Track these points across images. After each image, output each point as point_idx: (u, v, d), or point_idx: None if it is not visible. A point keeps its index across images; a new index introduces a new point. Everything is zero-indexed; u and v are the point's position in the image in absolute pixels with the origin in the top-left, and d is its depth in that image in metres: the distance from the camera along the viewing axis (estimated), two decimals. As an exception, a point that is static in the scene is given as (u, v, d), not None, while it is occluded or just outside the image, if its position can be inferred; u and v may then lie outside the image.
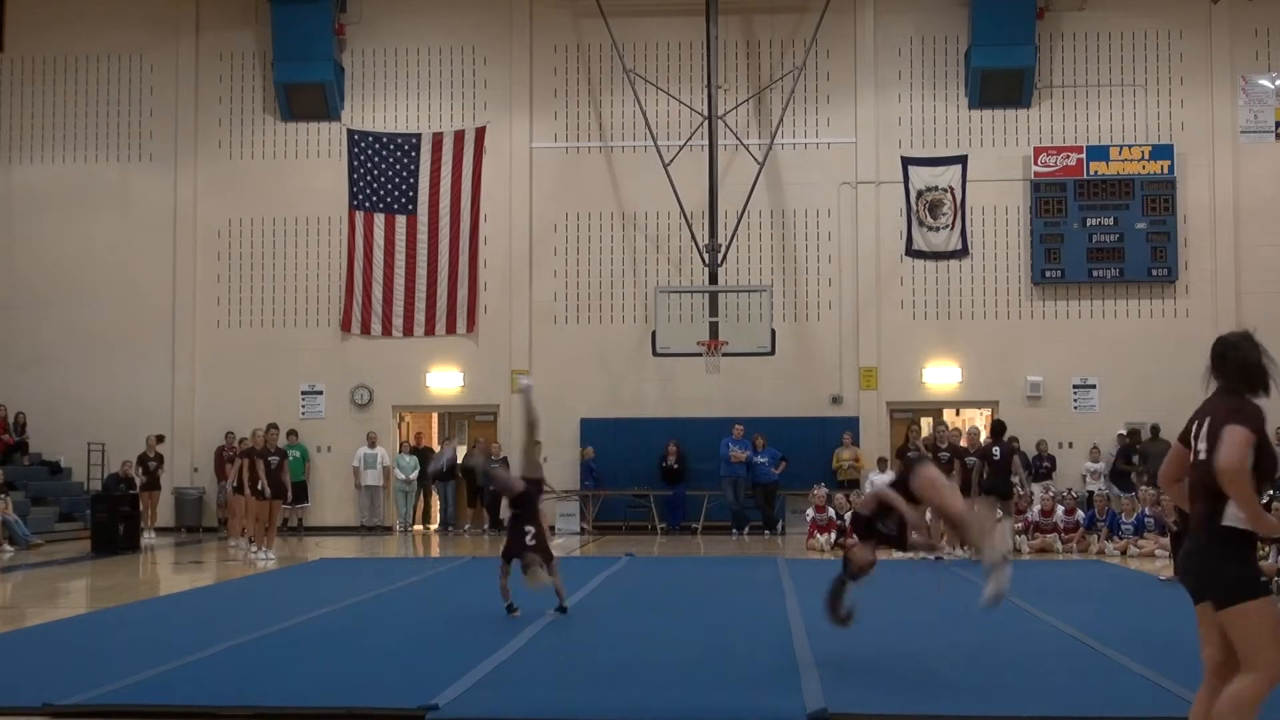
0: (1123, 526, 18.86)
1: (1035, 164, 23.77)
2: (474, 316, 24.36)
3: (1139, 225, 23.52)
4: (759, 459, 22.57)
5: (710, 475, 22.96)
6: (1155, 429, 22.68)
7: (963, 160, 23.61)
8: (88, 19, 25.20)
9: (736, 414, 23.03)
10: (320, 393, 24.57)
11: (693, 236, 22.81)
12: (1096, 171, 23.60)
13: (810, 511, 20.38)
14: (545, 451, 23.94)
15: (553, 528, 21.45)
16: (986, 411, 24.34)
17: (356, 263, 24.35)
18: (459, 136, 24.37)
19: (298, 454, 23.84)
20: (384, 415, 24.74)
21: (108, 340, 24.57)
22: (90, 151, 25.22)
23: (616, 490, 23.66)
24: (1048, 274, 23.71)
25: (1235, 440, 5.09)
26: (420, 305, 24.31)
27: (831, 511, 20.04)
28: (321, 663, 8.90)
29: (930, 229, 23.78)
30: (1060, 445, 23.28)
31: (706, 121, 22.84)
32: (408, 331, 24.35)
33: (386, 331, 24.37)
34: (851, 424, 23.60)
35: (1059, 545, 19.05)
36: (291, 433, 23.93)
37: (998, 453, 18.33)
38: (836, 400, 23.88)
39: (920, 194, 23.70)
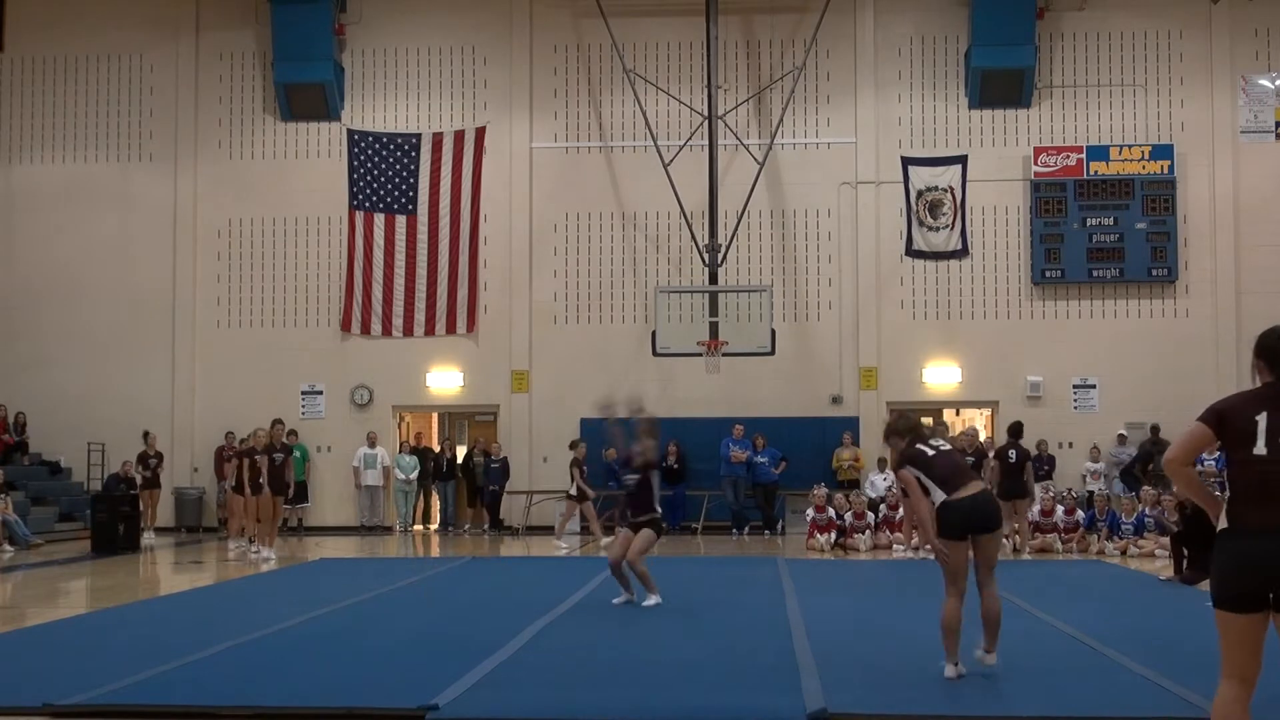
0: (1123, 526, 18.86)
1: (1035, 164, 23.77)
2: (474, 316, 24.36)
3: (1139, 225, 23.52)
4: (759, 459, 22.57)
5: (710, 475, 22.95)
6: (1155, 429, 22.67)
7: (963, 160, 23.61)
8: (88, 19, 25.20)
9: (736, 414, 23.04)
10: (320, 393, 24.57)
11: (693, 236, 22.81)
12: (1096, 171, 23.60)
13: (810, 511, 20.37)
14: (545, 452, 24.18)
15: (586, 528, 21.48)
16: (986, 411, 24.35)
17: (356, 263, 24.35)
18: (459, 136, 24.37)
19: (298, 454, 23.86)
20: (384, 415, 24.74)
21: (108, 340, 24.58)
22: (90, 151, 25.22)
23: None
24: (1048, 274, 23.72)
25: None
26: (420, 305, 24.31)
27: (831, 511, 20.04)
28: (321, 663, 8.89)
29: (930, 229, 23.79)
30: (1060, 445, 23.28)
31: (706, 121, 22.84)
32: (408, 331, 24.35)
33: (386, 331, 24.37)
34: (851, 424, 23.60)
35: (1059, 545, 19.05)
36: (291, 433, 23.90)
37: (1013, 455, 18.33)
38: (836, 400, 23.89)
39: (920, 194, 23.70)
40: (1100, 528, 19.26)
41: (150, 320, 24.69)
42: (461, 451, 25.26)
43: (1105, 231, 23.58)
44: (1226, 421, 5.07)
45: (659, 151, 22.99)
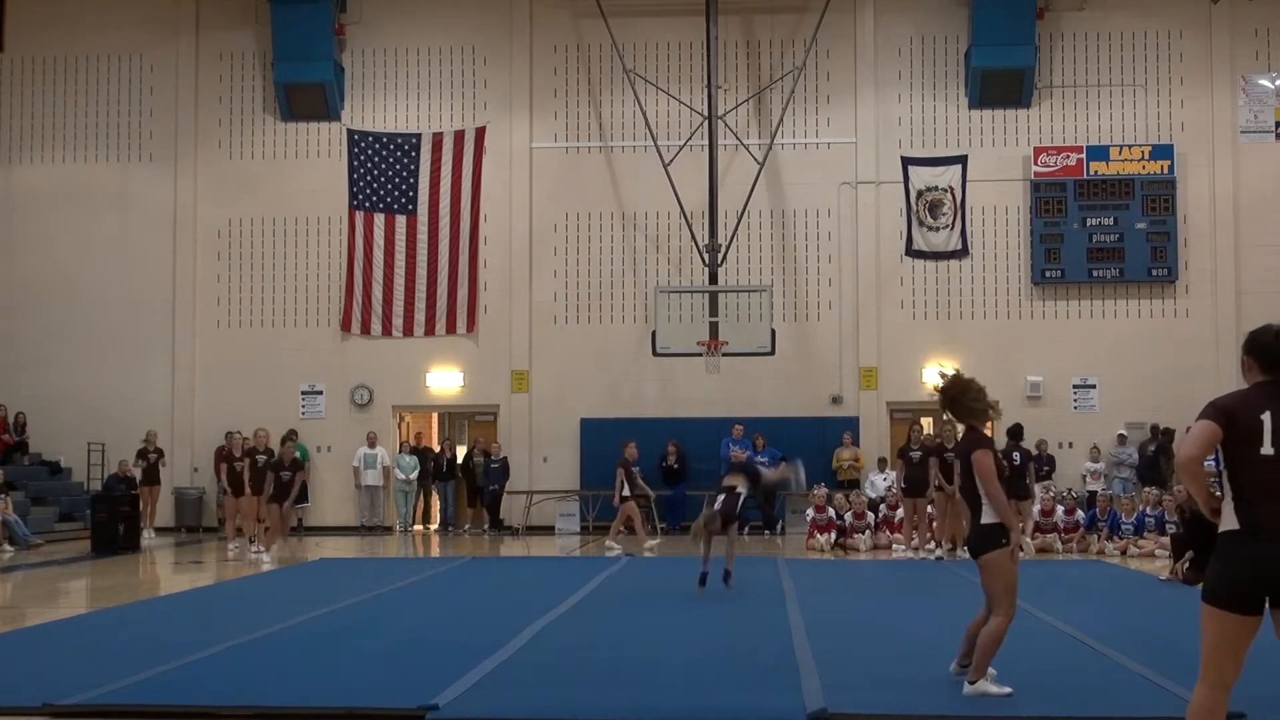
0: (1123, 526, 18.85)
1: (1035, 164, 23.77)
2: (474, 316, 24.36)
3: (1139, 225, 23.53)
4: (759, 459, 22.51)
5: (710, 475, 22.85)
6: (1155, 429, 22.67)
7: (963, 160, 23.61)
8: (88, 19, 25.20)
9: (736, 414, 23.03)
10: (320, 393, 24.57)
11: (693, 236, 22.81)
12: (1096, 171, 23.60)
13: (810, 511, 20.37)
14: (545, 452, 24.18)
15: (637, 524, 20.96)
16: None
17: (356, 263, 24.35)
18: (459, 136, 24.37)
19: (297, 454, 23.85)
20: (384, 415, 24.74)
21: (108, 340, 24.58)
22: (90, 151, 25.22)
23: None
24: (1048, 274, 23.72)
25: None
26: (420, 305, 24.31)
27: (831, 511, 20.03)
28: (321, 663, 8.89)
29: (930, 229, 23.78)
30: (1060, 445, 23.28)
31: (706, 121, 22.84)
32: (408, 331, 24.35)
33: (386, 331, 24.37)
34: (851, 424, 23.60)
35: (1059, 545, 19.05)
36: (292, 432, 23.94)
37: (1018, 457, 18.28)
38: (836, 400, 23.89)
39: (920, 194, 23.70)
40: (1100, 528, 19.26)
41: (150, 320, 24.68)
42: (461, 451, 25.25)
43: (1105, 231, 23.58)
44: (1232, 418, 5.01)
45: (659, 151, 22.99)
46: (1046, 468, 22.91)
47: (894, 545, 19.38)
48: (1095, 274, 23.60)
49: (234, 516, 19.94)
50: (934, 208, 23.74)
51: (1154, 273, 23.54)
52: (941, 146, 24.05)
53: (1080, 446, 23.29)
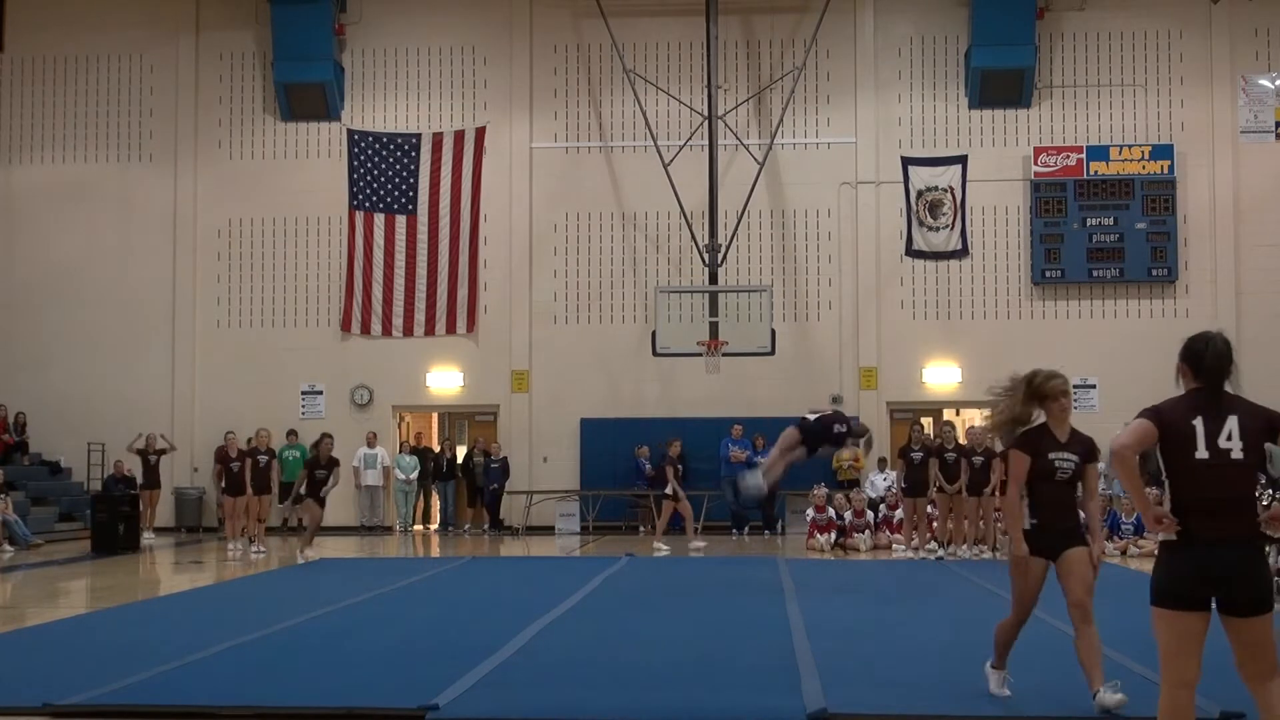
0: (1123, 526, 18.85)
1: (1035, 164, 23.77)
2: (474, 316, 24.36)
3: (1139, 225, 23.53)
4: (759, 459, 22.52)
5: (710, 475, 22.92)
6: (1155, 429, 22.63)
7: (963, 160, 23.61)
8: (87, 19, 25.20)
9: (736, 414, 23.03)
10: (320, 393, 24.57)
11: (693, 236, 22.81)
12: (1096, 171, 23.60)
13: (810, 511, 20.37)
14: (545, 452, 24.18)
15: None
16: (987, 411, 24.29)
17: (356, 263, 24.36)
18: (459, 136, 24.38)
19: (297, 454, 23.87)
20: (384, 415, 24.74)
21: (108, 340, 24.58)
22: (90, 151, 25.22)
23: (617, 490, 23.65)
24: (1048, 274, 23.72)
25: None
26: (420, 305, 24.31)
27: (831, 511, 20.03)
28: (321, 663, 8.89)
29: (930, 229, 23.79)
30: (1060, 445, 23.22)
31: (706, 121, 22.84)
32: (408, 331, 24.35)
33: (386, 331, 24.37)
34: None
35: (1059, 545, 19.01)
36: (291, 433, 23.96)
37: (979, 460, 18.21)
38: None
39: (920, 194, 23.70)
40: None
41: (150, 320, 24.69)
42: (462, 451, 25.25)
43: (1105, 231, 23.58)
44: (1167, 423, 5.15)
45: (659, 151, 22.99)
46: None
47: (894, 545, 19.38)
48: (1095, 274, 23.61)
49: (231, 516, 19.97)
50: (934, 208, 23.74)
51: (1154, 273, 23.54)
52: (941, 146, 24.06)
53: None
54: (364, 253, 24.35)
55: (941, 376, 24.01)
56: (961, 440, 18.81)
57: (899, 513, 19.72)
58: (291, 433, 23.97)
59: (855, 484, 22.48)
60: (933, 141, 24.15)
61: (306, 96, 24.58)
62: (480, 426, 25.37)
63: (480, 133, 24.34)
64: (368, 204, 24.29)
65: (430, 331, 24.36)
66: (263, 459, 19.96)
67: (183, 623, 11.24)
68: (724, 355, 21.67)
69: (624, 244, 24.42)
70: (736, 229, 23.00)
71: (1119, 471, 5.26)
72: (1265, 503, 13.63)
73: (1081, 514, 7.55)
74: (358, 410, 24.51)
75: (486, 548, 21.19)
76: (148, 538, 21.65)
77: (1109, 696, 7.09)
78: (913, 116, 24.25)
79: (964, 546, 18.20)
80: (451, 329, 24.35)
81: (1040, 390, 7.07)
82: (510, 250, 24.44)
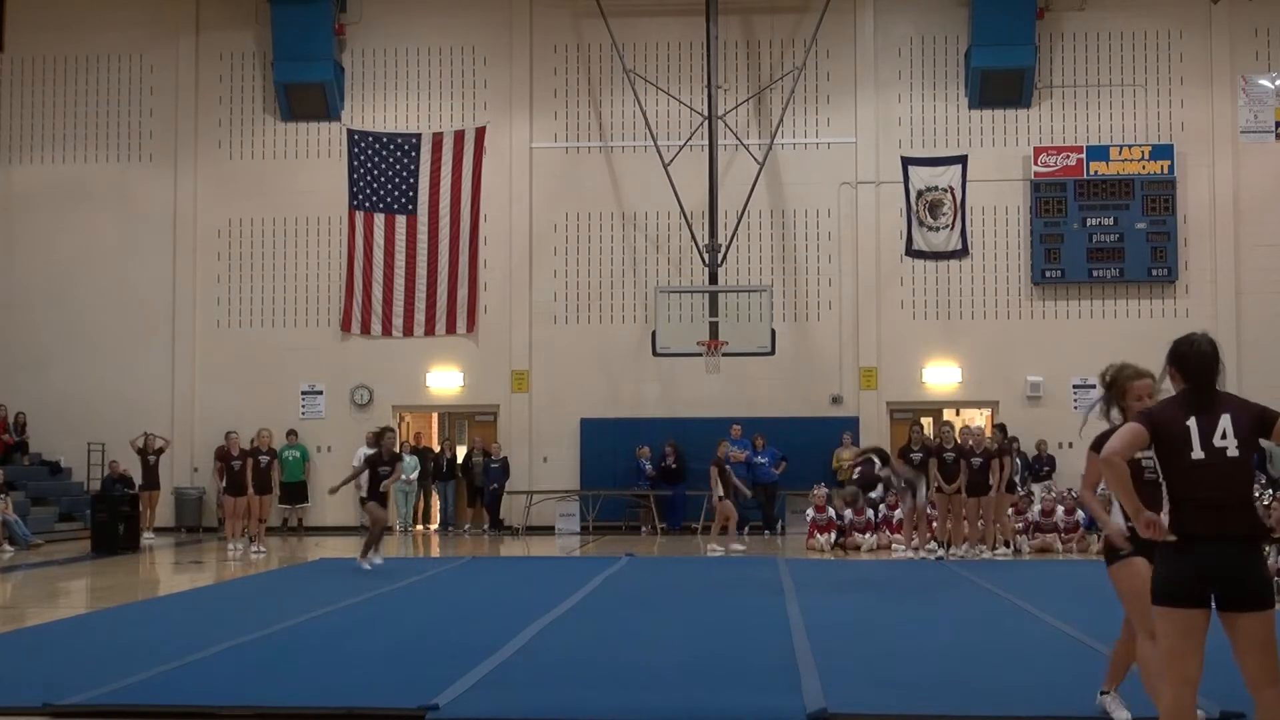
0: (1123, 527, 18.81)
1: (1035, 164, 23.77)
2: (474, 316, 24.36)
3: (1139, 225, 23.52)
4: (759, 459, 22.55)
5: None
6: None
7: (963, 160, 23.61)
8: (88, 19, 25.19)
9: (736, 414, 23.02)
10: (320, 393, 24.57)
11: (693, 236, 22.81)
12: (1096, 171, 23.60)
13: (810, 511, 20.37)
14: (545, 452, 24.17)
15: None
16: (986, 411, 24.34)
17: (356, 263, 24.35)
18: (459, 136, 24.37)
19: (297, 454, 23.88)
20: (384, 415, 24.71)
21: (108, 340, 24.57)
22: (90, 151, 25.22)
23: (617, 491, 23.64)
24: (1048, 274, 23.72)
25: None
26: (420, 305, 24.31)
27: (831, 511, 20.02)
28: (321, 663, 8.90)
29: (930, 229, 23.78)
30: (1060, 445, 23.26)
31: (706, 121, 22.84)
32: (408, 331, 24.35)
33: (386, 331, 24.37)
34: (851, 424, 23.59)
35: (1059, 545, 19.05)
36: (291, 433, 23.97)
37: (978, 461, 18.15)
38: (836, 400, 23.89)
39: (920, 194, 23.70)
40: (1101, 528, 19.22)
41: (150, 320, 24.68)
42: (462, 451, 25.24)
43: (1105, 231, 23.58)
44: (1160, 426, 5.21)
45: (659, 151, 22.99)
46: (1047, 468, 22.94)
47: (894, 545, 19.38)
48: (1095, 274, 23.60)
49: (233, 517, 20.01)
50: (934, 208, 23.74)
51: (1154, 273, 23.54)
52: (941, 146, 24.05)
53: (1080, 446, 23.12)
54: (364, 253, 24.35)
55: (941, 376, 24.01)
56: (959, 440, 18.78)
57: (899, 512, 19.72)
58: (291, 433, 23.97)
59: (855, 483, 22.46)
60: (933, 141, 24.15)
61: (306, 96, 24.58)
62: (480, 426, 25.36)
63: (480, 133, 24.34)
64: (368, 204, 24.29)
65: (430, 331, 24.36)
66: (263, 459, 19.99)
67: (183, 623, 11.24)
68: (724, 355, 21.67)
69: (624, 244, 24.42)
70: (736, 229, 23.00)
71: (1109, 477, 5.28)
72: (1266, 503, 13.64)
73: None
74: (358, 410, 24.50)
75: (486, 548, 21.18)
76: (148, 538, 21.64)
77: (1118, 711, 6.98)
78: (913, 116, 24.25)
79: (964, 546, 18.20)
80: (451, 329, 24.35)
81: (1116, 385, 6.65)
82: (510, 250, 24.44)
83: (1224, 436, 5.15)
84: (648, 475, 23.18)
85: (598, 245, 24.43)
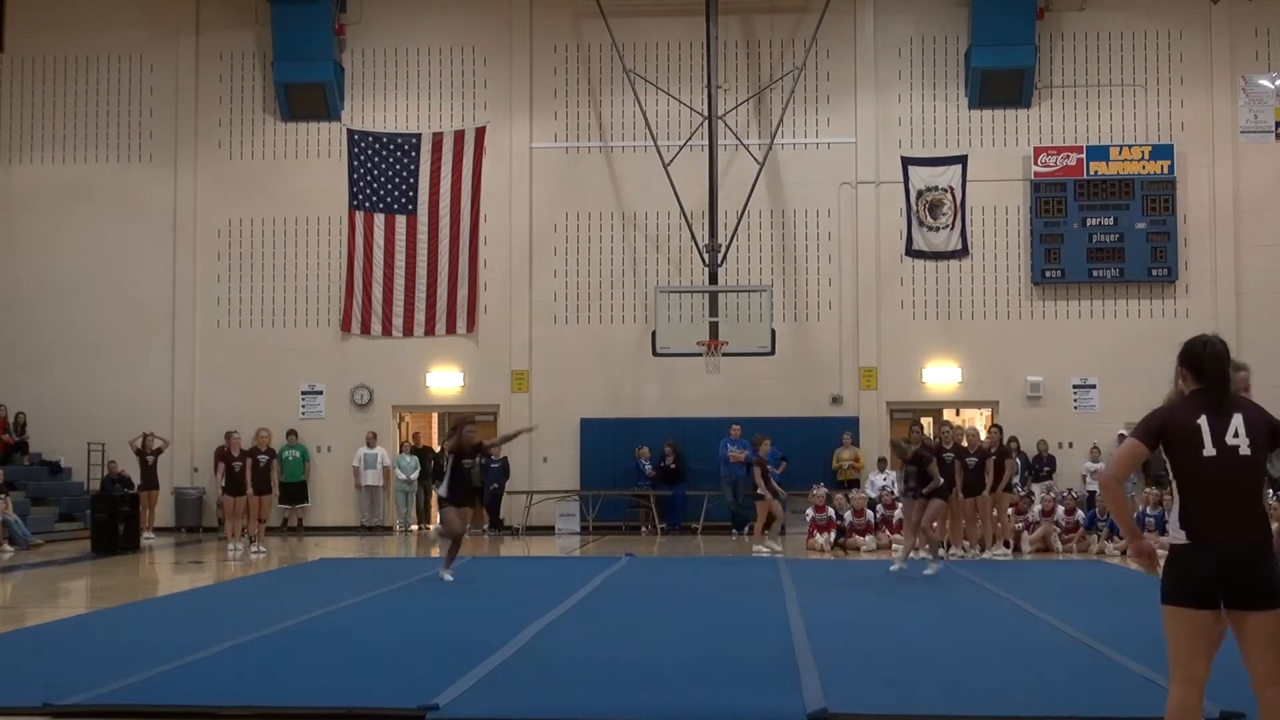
0: (1123, 526, 18.81)
1: (1035, 164, 23.77)
2: (474, 316, 24.36)
3: (1139, 225, 23.53)
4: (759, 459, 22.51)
5: (710, 475, 22.94)
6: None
7: (963, 160, 23.61)
8: (87, 19, 25.19)
9: (736, 414, 23.01)
10: (320, 393, 24.57)
11: (693, 236, 22.81)
12: (1096, 171, 23.60)
13: (810, 511, 20.36)
14: (545, 452, 24.17)
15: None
16: (986, 411, 24.35)
17: (356, 263, 24.35)
18: (459, 136, 24.37)
19: (297, 454, 23.88)
20: (384, 415, 24.74)
21: (108, 340, 24.57)
22: (90, 151, 25.22)
23: (617, 491, 23.64)
24: (1048, 274, 23.72)
25: None
26: (420, 305, 24.31)
27: (831, 511, 20.02)
28: (321, 663, 8.89)
29: (930, 229, 23.78)
30: (1060, 445, 23.28)
31: (706, 121, 22.84)
32: (408, 331, 24.35)
33: (386, 331, 24.37)
34: (851, 424, 23.60)
35: (1059, 545, 19.04)
36: (291, 433, 23.97)
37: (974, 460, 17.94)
38: (836, 400, 23.89)
39: (920, 194, 23.70)
40: (1100, 528, 19.26)
41: (150, 320, 24.68)
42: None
43: (1105, 231, 23.58)
44: (1169, 431, 5.21)
45: (659, 151, 22.99)
46: (1047, 468, 22.95)
47: (894, 545, 19.37)
48: (1095, 274, 23.60)
49: (232, 517, 20.02)
50: (934, 208, 23.74)
51: (1154, 273, 23.54)
52: (941, 146, 24.05)
53: (1080, 446, 23.28)
54: (364, 253, 24.35)
55: (941, 376, 24.02)
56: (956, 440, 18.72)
57: (898, 512, 19.72)
58: (291, 433, 23.97)
59: (855, 484, 22.49)
60: (933, 141, 24.15)
61: (306, 96, 24.58)
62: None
63: (480, 133, 24.33)
64: (368, 204, 24.29)
65: (430, 331, 24.36)
66: (262, 459, 19.98)
67: (183, 623, 11.24)
68: (724, 355, 21.67)
69: (624, 244, 24.42)
70: (736, 229, 23.00)
71: (1106, 499, 5.33)
72: (1270, 504, 13.65)
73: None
74: (358, 410, 24.51)
75: (486, 548, 21.18)
76: (147, 538, 21.65)
77: None
78: (913, 116, 24.25)
79: (964, 547, 18.18)
80: (451, 329, 24.35)
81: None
82: (510, 250, 24.44)
83: (1236, 435, 5.15)
84: (647, 475, 23.17)
85: (598, 245, 24.43)
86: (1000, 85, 23.84)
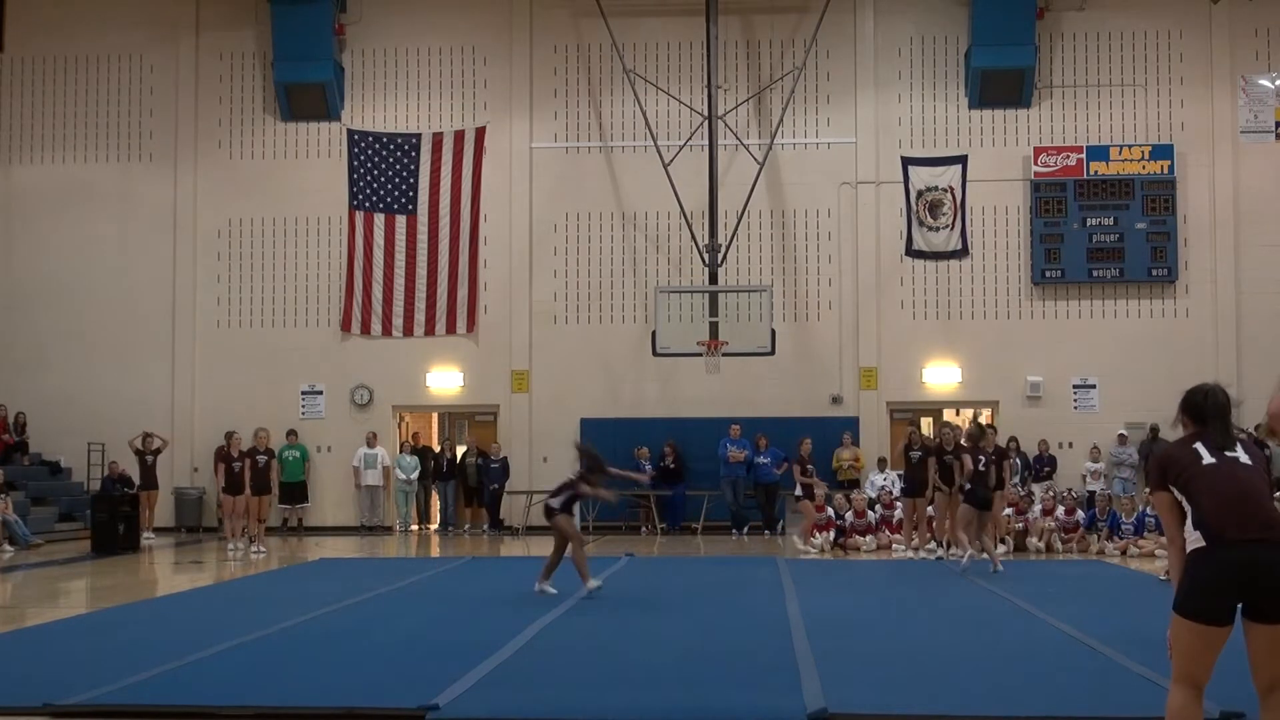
0: (1123, 526, 18.86)
1: (1035, 164, 23.77)
2: (474, 316, 24.35)
3: (1139, 225, 23.52)
4: (761, 459, 22.54)
5: (710, 475, 22.94)
6: (1154, 429, 22.66)
7: (963, 160, 23.60)
8: (88, 20, 25.20)
9: (736, 414, 23.02)
10: (320, 393, 24.57)
11: (693, 236, 22.81)
12: (1096, 171, 23.60)
13: (810, 511, 20.34)
14: (545, 452, 24.16)
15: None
16: (987, 411, 24.34)
17: (356, 263, 24.35)
18: (459, 136, 24.37)
19: (297, 454, 23.88)
20: (384, 415, 24.74)
21: (108, 340, 24.57)
22: (90, 151, 25.22)
23: (617, 491, 23.57)
24: (1048, 274, 23.71)
25: None
26: (420, 305, 24.31)
27: (830, 511, 20.02)
28: (321, 663, 8.90)
29: (930, 229, 23.78)
30: (1060, 445, 23.28)
31: (706, 121, 22.84)
32: (408, 331, 24.35)
33: (386, 331, 24.37)
34: (851, 424, 23.59)
35: (1059, 545, 19.04)
36: (291, 433, 23.98)
37: (981, 460, 17.67)
38: (836, 400, 23.88)
39: (920, 194, 23.69)
40: (1100, 528, 19.26)
41: (150, 320, 24.68)
42: (462, 451, 25.23)
43: (1105, 231, 23.58)
44: (1169, 464, 5.35)
45: (659, 151, 22.99)
46: (1047, 468, 22.94)
47: (894, 545, 19.38)
48: (1095, 274, 23.60)
49: (232, 517, 20.01)
50: (934, 208, 23.74)
51: (1154, 273, 23.54)
52: (941, 146, 24.05)
53: (1080, 446, 23.28)
54: (364, 253, 24.35)
55: (941, 376, 24.01)
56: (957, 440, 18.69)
57: (897, 512, 19.72)
58: (291, 433, 23.98)
59: (855, 484, 22.48)
60: (933, 141, 24.15)
61: (306, 96, 24.58)
62: (480, 426, 25.37)
63: (480, 133, 24.33)
64: (368, 204, 24.29)
65: (430, 331, 24.36)
66: (261, 459, 19.97)
67: (183, 623, 11.24)
68: (724, 355, 21.67)
69: (624, 244, 24.42)
70: (736, 229, 23.00)
71: (1169, 553, 5.45)
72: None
73: None
74: (358, 410, 24.51)
75: (486, 548, 21.18)
76: (147, 538, 21.64)
77: None
78: (913, 116, 24.25)
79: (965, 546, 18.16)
80: (451, 329, 24.34)
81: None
82: (510, 250, 24.44)
83: (1233, 451, 5.30)
84: (647, 475, 23.14)
85: (598, 245, 24.43)
86: (1000, 85, 23.83)
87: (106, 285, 24.74)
